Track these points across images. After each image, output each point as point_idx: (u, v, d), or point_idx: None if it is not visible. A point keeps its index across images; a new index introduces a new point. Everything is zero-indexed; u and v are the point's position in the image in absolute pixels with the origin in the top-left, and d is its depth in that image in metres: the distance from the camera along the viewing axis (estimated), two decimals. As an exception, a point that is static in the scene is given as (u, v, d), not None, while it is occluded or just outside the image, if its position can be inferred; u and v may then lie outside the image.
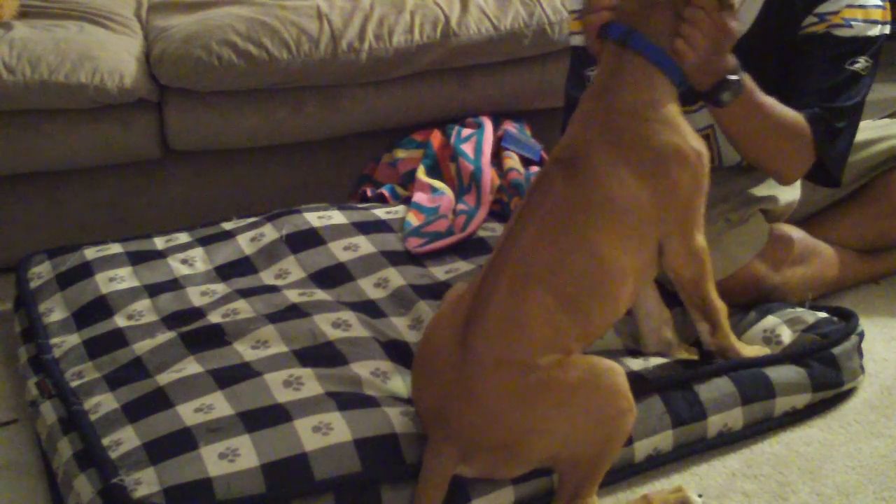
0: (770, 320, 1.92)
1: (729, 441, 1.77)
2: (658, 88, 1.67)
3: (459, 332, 1.55)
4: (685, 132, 1.68)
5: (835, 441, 1.78)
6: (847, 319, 1.93)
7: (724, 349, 1.80)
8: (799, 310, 1.96)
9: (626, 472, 1.68)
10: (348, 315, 1.91)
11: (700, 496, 1.62)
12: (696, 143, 1.69)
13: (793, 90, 1.96)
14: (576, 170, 1.63)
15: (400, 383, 1.77)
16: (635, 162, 1.63)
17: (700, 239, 1.71)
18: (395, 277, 2.05)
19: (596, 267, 1.59)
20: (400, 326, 1.93)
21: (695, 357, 1.85)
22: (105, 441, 1.62)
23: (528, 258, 1.58)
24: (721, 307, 1.77)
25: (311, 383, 1.72)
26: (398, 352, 1.85)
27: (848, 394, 1.89)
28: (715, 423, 1.75)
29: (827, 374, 1.84)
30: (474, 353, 1.53)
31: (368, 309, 1.97)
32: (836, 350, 1.86)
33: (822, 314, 1.95)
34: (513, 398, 1.51)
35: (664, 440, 1.71)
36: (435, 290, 2.00)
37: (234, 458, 1.56)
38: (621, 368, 1.57)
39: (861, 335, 1.91)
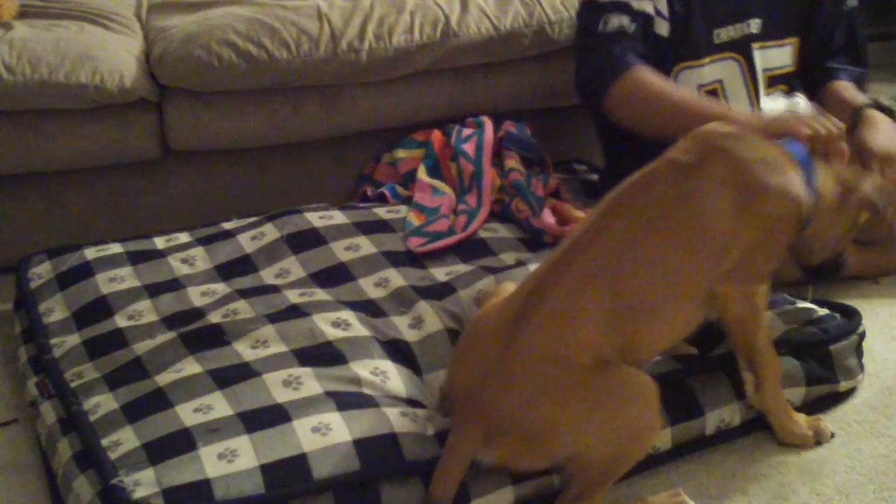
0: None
1: (727, 438, 1.77)
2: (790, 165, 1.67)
3: (513, 315, 1.56)
4: (796, 183, 1.66)
5: (834, 441, 1.78)
6: (850, 317, 1.93)
7: (767, 409, 1.75)
8: (800, 304, 1.96)
9: (626, 472, 1.68)
10: (348, 314, 1.91)
11: None
12: (802, 195, 1.66)
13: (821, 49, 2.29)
14: (687, 176, 1.61)
15: (399, 383, 1.77)
16: (742, 189, 1.61)
17: (761, 287, 1.68)
18: (396, 278, 2.05)
19: (662, 283, 1.59)
20: (400, 325, 1.93)
21: (693, 351, 1.85)
22: (104, 442, 1.62)
23: (606, 254, 1.58)
24: (771, 364, 1.73)
25: (310, 383, 1.72)
26: (398, 351, 1.85)
27: (847, 394, 1.89)
28: (712, 420, 1.75)
29: (821, 370, 1.84)
30: (523, 339, 1.53)
31: (368, 308, 1.97)
32: (834, 347, 1.86)
33: (825, 310, 1.95)
34: (549, 391, 1.51)
35: (662, 438, 1.71)
36: (435, 292, 2.00)
37: (232, 459, 1.56)
38: (657, 387, 1.57)
39: (862, 335, 1.91)
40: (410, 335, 1.90)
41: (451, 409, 1.61)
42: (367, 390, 1.73)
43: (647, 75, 2.14)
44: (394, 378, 1.78)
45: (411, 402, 1.74)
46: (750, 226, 1.61)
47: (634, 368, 1.58)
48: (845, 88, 2.35)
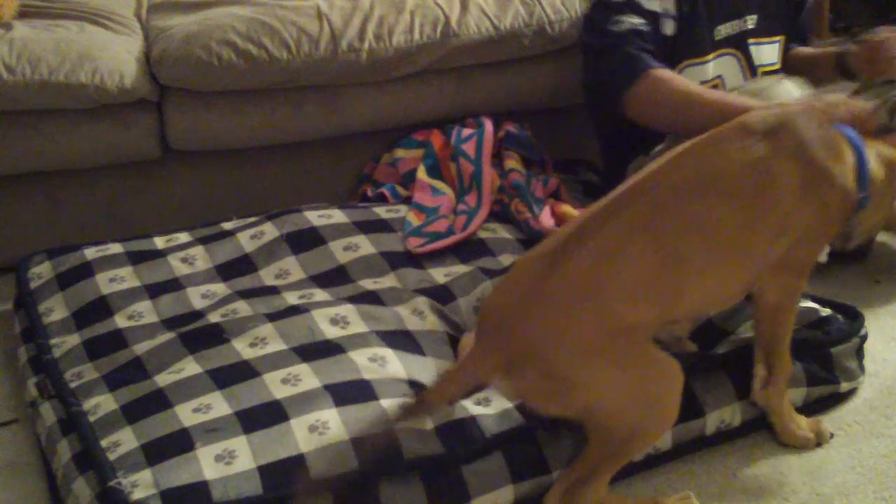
0: None
1: (727, 438, 1.77)
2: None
3: (554, 250, 1.54)
4: (851, 173, 1.66)
5: (835, 441, 1.78)
6: (853, 319, 1.93)
7: (771, 408, 1.75)
8: (804, 305, 1.96)
9: (625, 471, 1.68)
10: (347, 310, 1.91)
11: None
12: (852, 188, 1.66)
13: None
14: (760, 143, 1.59)
15: (399, 366, 1.77)
16: (811, 171, 1.60)
17: (802, 280, 1.68)
18: (394, 282, 2.05)
19: (714, 246, 1.56)
20: (402, 314, 1.92)
21: (693, 349, 1.85)
22: (104, 442, 1.62)
23: (659, 205, 1.55)
24: (787, 362, 1.73)
25: (307, 377, 1.72)
26: (399, 339, 1.85)
27: (848, 394, 1.89)
28: (713, 420, 1.75)
29: (822, 372, 1.84)
30: (562, 271, 1.50)
31: (368, 298, 1.97)
32: (835, 350, 1.86)
33: (828, 311, 1.95)
34: (579, 332, 1.48)
35: (662, 440, 1.71)
36: (434, 293, 2.00)
37: (230, 461, 1.56)
38: (683, 378, 1.54)
39: (864, 338, 1.91)
40: (412, 323, 1.90)
41: (476, 334, 1.56)
42: (366, 375, 1.72)
43: (666, 74, 2.16)
44: (392, 362, 1.77)
45: (412, 384, 1.73)
46: (810, 211, 1.61)
47: (667, 353, 1.55)
48: (801, 50, 2.48)
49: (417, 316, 1.92)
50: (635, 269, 1.52)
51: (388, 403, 1.66)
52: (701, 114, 2.04)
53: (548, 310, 1.49)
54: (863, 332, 1.92)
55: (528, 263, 1.58)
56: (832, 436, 1.77)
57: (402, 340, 1.85)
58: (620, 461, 1.56)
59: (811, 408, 1.84)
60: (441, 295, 1.99)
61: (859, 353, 1.91)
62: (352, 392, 1.69)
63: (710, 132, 1.65)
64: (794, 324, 1.82)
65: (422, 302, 1.96)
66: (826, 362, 1.85)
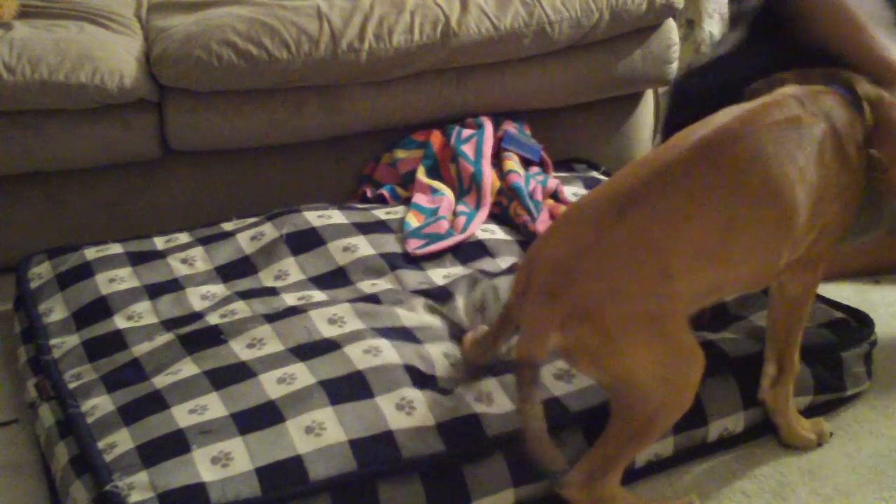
0: None
1: (729, 445, 1.77)
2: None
3: (620, 198, 1.50)
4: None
5: (834, 441, 1.78)
6: (863, 324, 1.92)
7: (777, 408, 1.76)
8: (817, 306, 1.95)
9: (626, 477, 1.67)
10: (344, 310, 1.91)
11: None
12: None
13: None
14: (822, 118, 1.60)
15: (394, 354, 1.77)
16: (842, 158, 1.61)
17: (819, 273, 1.69)
18: (393, 283, 2.06)
19: (764, 222, 1.54)
20: (399, 312, 1.93)
21: None
22: (100, 444, 1.62)
23: (723, 168, 1.53)
24: (796, 363, 1.74)
25: (302, 375, 1.72)
26: (393, 333, 1.85)
27: (848, 396, 1.88)
28: (716, 428, 1.75)
29: (831, 378, 1.84)
30: (628, 227, 1.47)
31: (366, 300, 1.97)
32: (845, 354, 1.85)
33: (839, 314, 1.94)
34: (638, 294, 1.46)
35: (664, 446, 1.71)
36: (433, 293, 2.00)
37: (227, 463, 1.55)
38: (701, 375, 1.54)
39: (873, 343, 1.90)
40: (410, 319, 1.90)
41: (525, 287, 1.51)
42: (360, 366, 1.72)
43: None
44: (387, 350, 1.77)
45: (406, 369, 1.74)
46: (836, 195, 1.62)
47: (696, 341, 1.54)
48: None
49: (415, 314, 1.93)
50: (697, 232, 1.50)
51: (384, 400, 1.66)
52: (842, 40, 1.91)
53: (610, 263, 1.46)
54: (873, 337, 1.91)
55: (582, 215, 1.54)
56: (832, 435, 1.77)
57: (397, 333, 1.85)
58: (637, 446, 1.55)
59: (812, 410, 1.84)
60: (440, 295, 2.00)
61: (867, 360, 1.90)
62: (347, 388, 1.68)
63: (765, 101, 1.63)
64: (808, 322, 1.81)
65: (420, 304, 1.96)
66: (835, 367, 1.84)
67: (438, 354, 1.82)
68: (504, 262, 2.14)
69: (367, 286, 2.04)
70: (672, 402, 1.52)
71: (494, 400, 1.70)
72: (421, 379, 1.74)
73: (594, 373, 1.53)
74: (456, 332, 1.91)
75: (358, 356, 1.76)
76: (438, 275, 2.09)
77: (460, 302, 1.98)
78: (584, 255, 1.47)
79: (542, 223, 2.23)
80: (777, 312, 1.73)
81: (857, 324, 1.94)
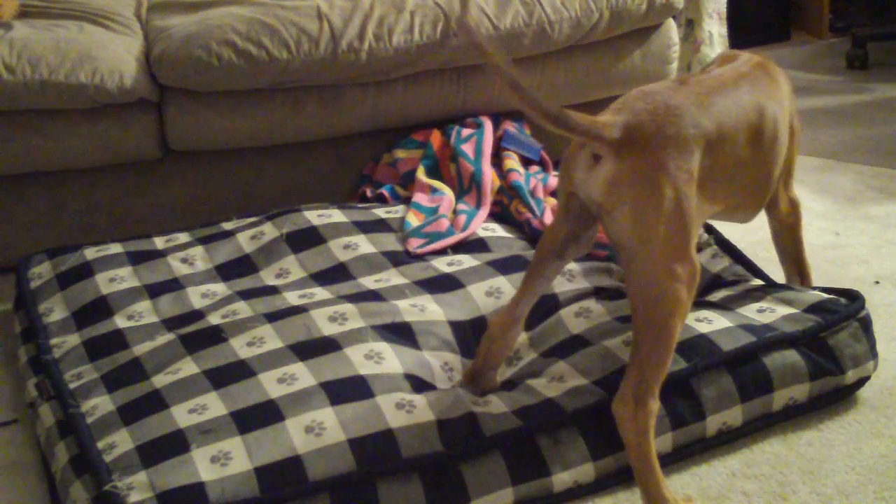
0: (768, 299, 1.93)
1: (728, 440, 1.76)
2: None
3: (683, 79, 1.77)
4: None
5: (835, 441, 1.78)
6: (853, 300, 1.90)
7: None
8: (800, 290, 1.95)
9: (626, 475, 1.68)
10: (346, 308, 1.91)
11: None
12: None
13: None
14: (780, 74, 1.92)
15: (396, 362, 1.77)
16: (793, 106, 1.93)
17: (795, 190, 2.01)
18: (397, 277, 2.05)
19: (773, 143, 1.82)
20: (401, 308, 1.93)
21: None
22: (100, 444, 1.62)
23: (752, 80, 1.82)
24: (810, 267, 2.07)
25: (303, 375, 1.72)
26: (394, 333, 1.85)
27: (848, 393, 1.88)
28: (714, 423, 1.75)
29: (824, 361, 1.82)
30: (691, 88, 1.71)
31: (368, 297, 1.97)
32: (832, 336, 1.84)
33: (827, 295, 1.93)
34: (682, 146, 1.62)
35: (663, 442, 1.71)
36: (438, 281, 2.00)
37: (226, 462, 1.55)
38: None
39: (865, 319, 1.88)
40: (412, 314, 1.90)
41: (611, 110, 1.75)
42: (362, 371, 1.72)
43: None
44: (389, 357, 1.77)
45: (408, 377, 1.74)
46: (795, 135, 1.94)
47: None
48: None
49: (418, 309, 1.92)
50: (739, 108, 1.73)
51: (384, 399, 1.66)
52: None
53: (669, 110, 1.64)
54: (863, 313, 1.88)
55: (652, 89, 1.74)
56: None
57: (399, 334, 1.85)
58: (662, 350, 1.56)
59: (814, 406, 1.83)
60: (446, 283, 1.99)
61: (869, 336, 1.87)
62: (347, 390, 1.69)
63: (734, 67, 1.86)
64: (796, 306, 1.91)
65: (424, 298, 1.96)
66: (825, 350, 1.82)
67: (437, 366, 1.82)
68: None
69: (370, 281, 2.04)
70: (671, 294, 1.56)
71: (491, 401, 1.70)
72: (421, 386, 1.75)
73: (617, 217, 1.60)
74: (461, 320, 1.91)
75: (360, 360, 1.76)
76: (443, 263, 2.09)
77: (471, 289, 1.97)
78: (655, 101, 1.67)
79: (546, 219, 2.24)
80: (781, 234, 2.05)
81: (847, 301, 1.92)
